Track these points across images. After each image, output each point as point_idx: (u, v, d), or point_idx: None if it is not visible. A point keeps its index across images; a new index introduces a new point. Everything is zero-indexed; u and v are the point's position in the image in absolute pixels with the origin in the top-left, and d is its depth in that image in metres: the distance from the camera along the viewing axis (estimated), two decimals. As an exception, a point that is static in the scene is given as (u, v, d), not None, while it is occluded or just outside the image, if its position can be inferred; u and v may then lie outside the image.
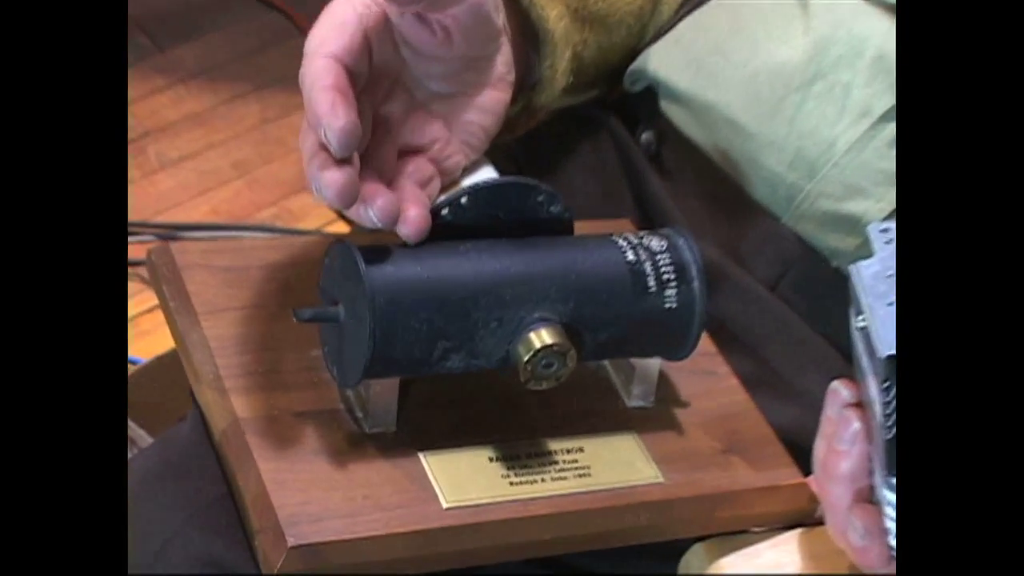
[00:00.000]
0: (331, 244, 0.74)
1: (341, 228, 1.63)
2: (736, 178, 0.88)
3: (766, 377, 0.85)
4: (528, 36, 0.84)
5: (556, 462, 0.76)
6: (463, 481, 0.74)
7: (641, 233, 0.77)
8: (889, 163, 0.83)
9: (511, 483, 0.74)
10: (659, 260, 0.76)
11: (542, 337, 0.73)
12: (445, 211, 0.75)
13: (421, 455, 0.74)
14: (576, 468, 0.76)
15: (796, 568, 0.76)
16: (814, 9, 0.86)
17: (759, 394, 0.82)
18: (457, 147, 0.79)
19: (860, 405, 0.72)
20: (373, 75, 0.75)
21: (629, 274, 0.75)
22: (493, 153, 0.85)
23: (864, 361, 0.70)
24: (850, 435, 0.71)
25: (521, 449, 0.76)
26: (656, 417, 0.79)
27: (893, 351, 0.66)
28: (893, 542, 0.69)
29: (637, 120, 0.94)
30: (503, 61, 0.79)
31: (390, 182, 0.75)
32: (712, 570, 0.77)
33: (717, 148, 0.89)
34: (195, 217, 1.60)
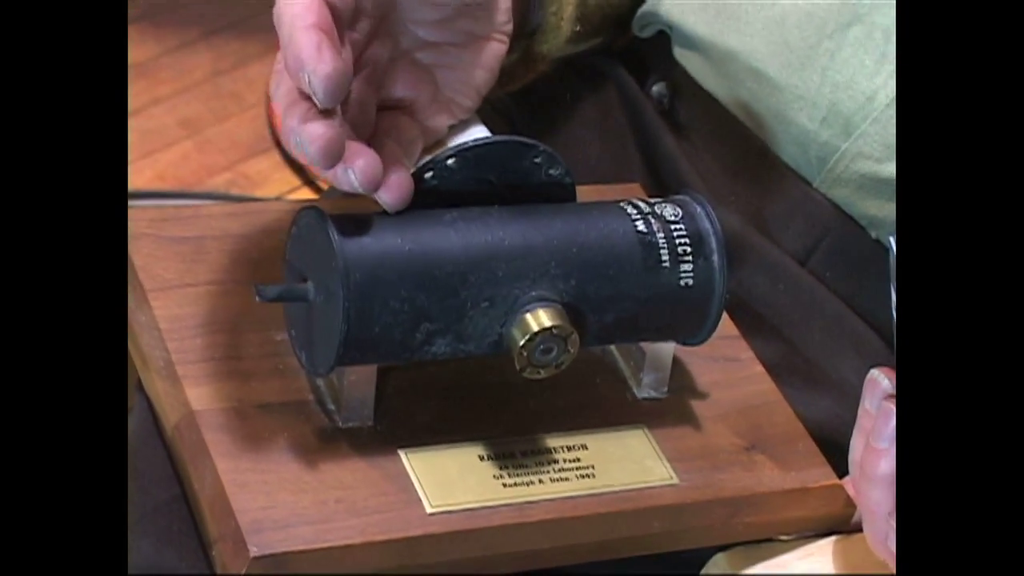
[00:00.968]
0: (299, 211, 0.74)
1: (305, 196, 1.63)
2: (761, 136, 0.88)
3: (795, 363, 0.86)
4: None
5: (556, 461, 0.76)
6: (450, 482, 0.74)
7: (653, 200, 0.78)
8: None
9: (504, 485, 0.75)
10: (673, 231, 0.76)
11: (540, 319, 0.74)
12: (429, 174, 0.75)
13: (402, 453, 0.75)
14: (578, 468, 0.76)
15: (831, 580, 0.77)
16: (850, -57, 0.86)
17: (787, 383, 0.83)
18: (444, 104, 0.79)
19: (904, 396, 0.72)
20: (355, 14, 0.75)
21: (639, 247, 0.76)
22: (483, 109, 0.85)
23: None
24: (891, 431, 0.71)
25: (516, 446, 0.76)
26: (670, 410, 0.79)
27: None
28: None
29: (647, 70, 0.94)
30: (503, 8, 0.79)
31: (368, 141, 0.75)
32: (737, 583, 0.78)
33: (739, 102, 0.89)
34: (137, 184, 1.60)
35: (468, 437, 0.76)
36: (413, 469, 0.74)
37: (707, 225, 0.77)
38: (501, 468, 0.75)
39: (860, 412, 0.74)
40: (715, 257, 0.76)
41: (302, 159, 0.72)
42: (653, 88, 0.93)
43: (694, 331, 0.78)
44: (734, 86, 0.89)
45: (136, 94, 1.67)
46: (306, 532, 0.71)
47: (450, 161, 0.75)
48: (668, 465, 0.77)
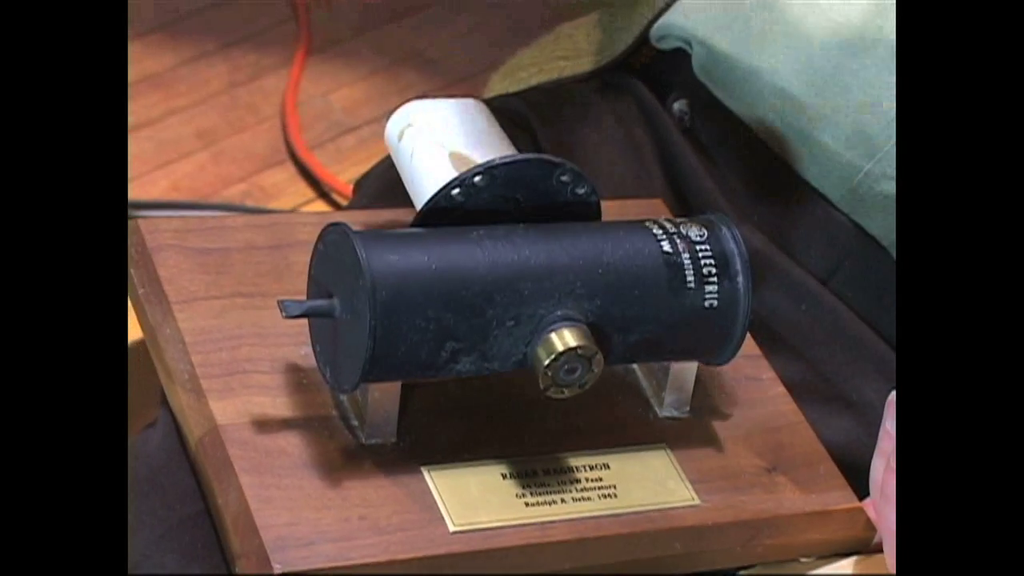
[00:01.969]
0: (325, 227, 0.74)
1: (320, 208, 1.63)
2: (784, 156, 0.88)
3: (817, 384, 0.85)
4: None
5: (578, 480, 0.76)
6: (472, 501, 0.74)
7: (679, 220, 0.77)
8: (960, 141, 0.83)
9: (526, 504, 0.74)
10: (699, 251, 0.76)
11: (565, 339, 0.73)
12: (456, 191, 0.75)
13: (425, 471, 0.74)
14: (600, 487, 0.76)
15: (851, 602, 0.77)
16: (876, -38, 0.86)
17: (809, 404, 0.83)
18: None
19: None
20: None
21: (665, 267, 0.75)
22: (506, 125, 0.85)
23: None
24: None
25: (538, 465, 0.76)
26: (691, 430, 0.79)
27: None
28: None
29: (668, 87, 0.94)
30: None
31: None
32: (757, 604, 0.77)
33: (761, 120, 0.89)
34: (153, 194, 1.59)
35: (491, 455, 0.75)
36: (436, 487, 0.74)
37: (732, 246, 0.76)
38: (523, 487, 0.75)
39: (881, 433, 0.74)
40: (740, 278, 0.76)
41: None
42: (674, 105, 0.93)
43: (718, 352, 0.77)
44: (756, 104, 0.89)
45: (152, 105, 1.67)
46: (329, 549, 0.71)
47: (477, 179, 0.75)
48: (689, 486, 0.77)
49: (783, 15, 0.87)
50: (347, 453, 0.74)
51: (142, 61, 1.72)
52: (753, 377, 0.82)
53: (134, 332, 0.85)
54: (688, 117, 0.93)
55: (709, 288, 0.76)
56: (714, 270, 0.76)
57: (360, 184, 0.97)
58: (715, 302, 0.76)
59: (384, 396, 0.74)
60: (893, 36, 0.84)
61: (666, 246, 0.76)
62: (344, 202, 1.56)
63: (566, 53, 0.98)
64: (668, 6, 0.92)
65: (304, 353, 0.76)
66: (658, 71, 0.95)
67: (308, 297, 0.75)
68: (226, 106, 1.70)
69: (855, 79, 0.85)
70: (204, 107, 1.70)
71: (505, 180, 0.75)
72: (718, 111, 0.91)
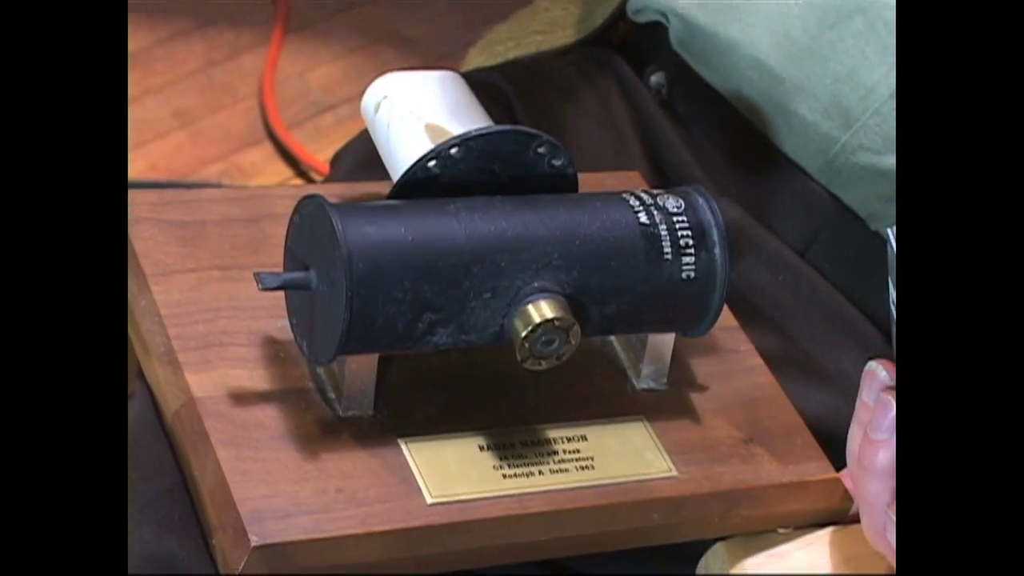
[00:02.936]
0: (301, 199, 0.74)
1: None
2: (761, 128, 0.88)
3: (794, 356, 0.85)
4: None
5: (555, 452, 0.76)
6: (450, 473, 0.73)
7: (656, 191, 0.77)
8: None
9: (504, 476, 0.74)
10: (676, 223, 0.76)
11: (542, 310, 0.73)
12: (432, 163, 0.74)
13: (402, 443, 0.74)
14: (578, 459, 0.76)
15: (829, 571, 0.77)
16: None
17: (786, 375, 0.82)
18: None
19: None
20: None
21: (642, 239, 0.75)
22: (484, 99, 0.84)
23: None
24: (888, 422, 0.71)
25: (516, 437, 0.76)
26: (669, 401, 0.79)
27: None
28: None
29: (645, 60, 0.93)
30: None
31: None
32: (736, 571, 0.77)
33: (738, 93, 0.88)
34: (131, 173, 1.59)
35: (468, 428, 0.75)
36: (413, 459, 0.74)
37: (709, 217, 0.76)
38: (501, 459, 0.74)
39: (858, 404, 0.74)
40: (717, 250, 0.76)
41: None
42: (651, 78, 0.93)
43: (695, 323, 0.77)
44: (734, 77, 0.88)
45: (130, 84, 1.66)
46: (306, 522, 0.70)
47: (454, 151, 0.75)
48: (667, 457, 0.77)
49: None
50: (324, 425, 0.74)
51: (119, 40, 1.72)
52: (731, 349, 0.82)
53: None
54: (666, 90, 0.93)
55: (686, 259, 0.75)
56: (691, 241, 0.76)
57: (337, 158, 0.97)
58: (692, 273, 0.76)
59: (361, 368, 0.74)
60: (870, 7, 0.84)
61: (643, 217, 0.76)
62: (322, 181, 1.56)
63: (543, 28, 0.98)
64: None
65: (281, 326, 0.76)
66: (636, 44, 0.95)
67: (285, 269, 0.75)
68: (203, 85, 1.70)
69: (832, 51, 0.85)
70: (181, 86, 1.69)
71: (481, 152, 0.75)
72: (696, 84, 0.91)
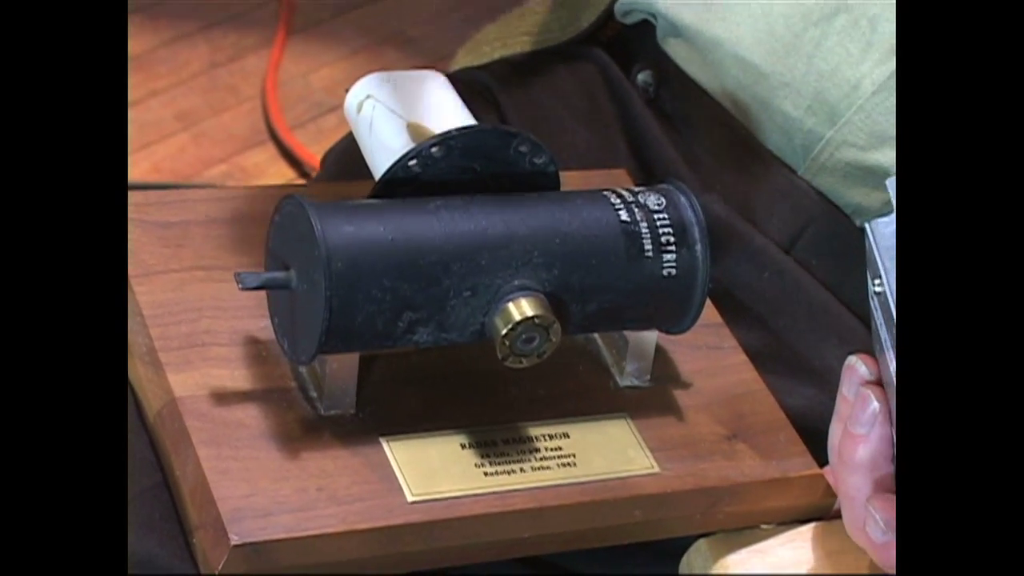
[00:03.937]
0: (281, 199, 0.74)
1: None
2: (746, 124, 0.88)
3: (780, 352, 0.85)
4: None
5: (537, 449, 0.76)
6: (431, 471, 0.73)
7: (636, 189, 0.77)
8: (920, 108, 0.83)
9: (486, 473, 0.74)
10: (657, 220, 0.76)
11: (522, 308, 0.73)
12: (413, 162, 0.75)
13: (384, 441, 0.74)
14: (560, 456, 0.76)
15: (812, 566, 0.77)
16: (836, -68, 0.86)
17: (771, 371, 0.82)
18: None
19: (880, 383, 0.72)
20: None
21: (623, 236, 0.75)
22: (469, 96, 0.84)
23: (883, 332, 0.70)
24: (868, 417, 0.71)
25: (497, 435, 0.76)
26: (652, 398, 0.79)
27: None
28: None
29: (632, 58, 0.93)
30: None
31: None
32: (718, 569, 0.77)
33: (724, 90, 0.88)
34: (134, 175, 1.59)
35: (450, 425, 0.75)
36: (395, 457, 0.74)
37: (690, 215, 0.76)
38: (483, 457, 0.75)
39: (838, 399, 0.74)
40: (698, 247, 0.76)
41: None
42: (638, 76, 0.93)
43: (677, 320, 0.77)
44: (719, 74, 0.88)
45: (133, 87, 1.67)
46: (287, 520, 0.70)
47: (434, 149, 0.75)
48: (649, 454, 0.77)
49: None
50: (306, 425, 0.74)
51: (122, 43, 1.72)
52: (714, 345, 0.82)
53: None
54: (652, 88, 0.93)
55: (667, 256, 0.75)
56: (672, 239, 0.76)
57: (326, 157, 0.97)
58: (673, 270, 0.76)
59: (342, 367, 0.74)
60: (853, 4, 0.84)
61: (624, 215, 0.76)
62: (325, 182, 1.56)
63: (530, 29, 0.98)
64: None
65: (263, 326, 0.76)
66: (623, 42, 0.95)
67: (266, 269, 0.75)
68: (206, 87, 1.70)
69: (816, 47, 0.85)
70: (184, 88, 1.70)
71: (462, 150, 0.75)
72: (682, 82, 0.91)
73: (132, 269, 0.77)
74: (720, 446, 0.78)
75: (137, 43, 1.71)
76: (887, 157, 0.84)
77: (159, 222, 0.79)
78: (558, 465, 0.75)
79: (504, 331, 0.73)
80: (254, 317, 0.76)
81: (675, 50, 0.91)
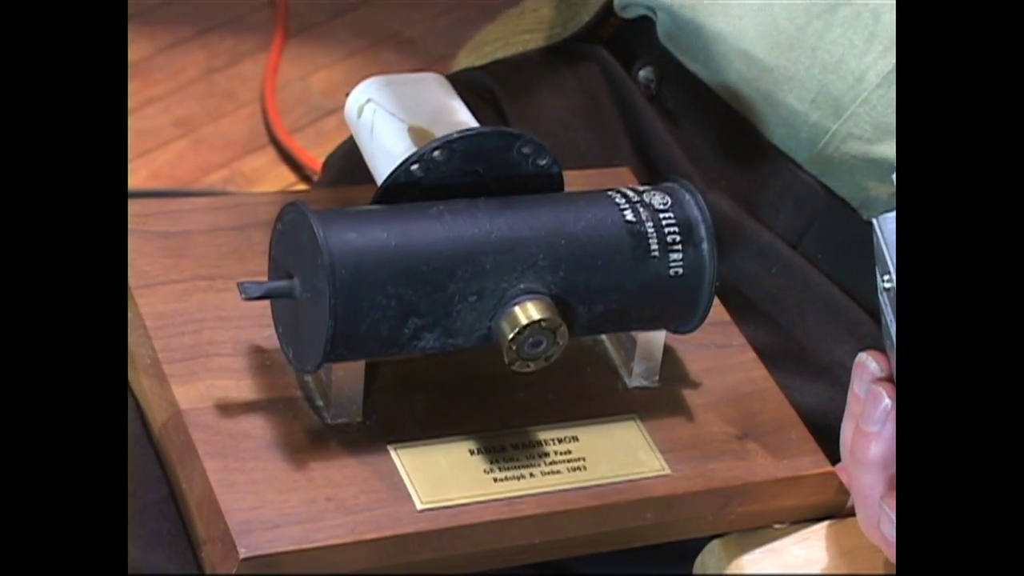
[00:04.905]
0: (283, 207, 0.73)
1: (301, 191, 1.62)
2: (750, 119, 0.87)
3: (788, 348, 0.85)
4: None
5: (546, 454, 0.75)
6: (440, 478, 0.73)
7: (641, 188, 0.77)
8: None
9: (495, 479, 0.73)
10: (662, 219, 0.75)
11: (528, 312, 0.72)
12: (415, 166, 0.74)
13: (391, 449, 0.73)
14: (569, 460, 0.75)
15: (826, 565, 0.76)
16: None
17: (780, 369, 0.82)
18: None
19: (892, 379, 0.71)
20: None
21: (628, 236, 0.74)
22: (470, 97, 0.84)
23: (893, 328, 0.69)
24: (880, 414, 0.71)
25: (506, 440, 0.75)
26: (661, 399, 0.78)
27: None
28: None
29: (633, 55, 0.93)
30: None
31: None
32: (732, 570, 0.76)
33: (727, 85, 0.88)
34: (133, 183, 1.59)
35: (458, 431, 0.75)
36: (403, 465, 0.73)
37: (696, 213, 0.75)
38: (491, 462, 0.74)
39: (849, 396, 0.73)
40: (704, 245, 0.75)
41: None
42: (640, 73, 0.92)
43: (685, 320, 0.76)
44: (722, 69, 0.88)
45: (130, 94, 1.66)
46: (295, 532, 0.70)
47: (436, 153, 0.74)
48: (660, 456, 0.76)
49: None
50: (312, 434, 0.73)
51: (119, 50, 1.71)
52: (723, 344, 0.81)
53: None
54: (654, 84, 0.92)
55: (673, 256, 0.75)
56: (678, 238, 0.75)
57: (327, 162, 0.97)
58: (680, 270, 0.75)
59: (348, 375, 0.73)
60: (856, -4, 0.84)
61: (629, 215, 0.75)
62: (327, 186, 1.56)
63: (531, 27, 0.98)
64: None
65: (267, 335, 0.75)
66: (623, 39, 0.94)
67: (269, 278, 0.74)
68: (204, 93, 1.70)
69: (819, 40, 0.84)
70: (182, 95, 1.69)
71: (465, 153, 0.74)
72: (684, 77, 0.90)
73: (134, 280, 0.76)
74: (731, 446, 0.77)
75: (134, 50, 1.71)
76: (893, 149, 0.83)
77: (160, 232, 0.79)
78: (568, 469, 0.75)
79: (511, 335, 0.72)
80: (258, 326, 0.76)
81: (676, 45, 0.90)
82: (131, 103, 1.66)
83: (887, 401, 0.70)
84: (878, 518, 0.71)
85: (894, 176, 0.69)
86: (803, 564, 0.76)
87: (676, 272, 0.75)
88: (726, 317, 0.83)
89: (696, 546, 0.78)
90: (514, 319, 0.72)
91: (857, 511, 0.73)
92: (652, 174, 0.90)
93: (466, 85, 0.90)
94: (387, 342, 0.72)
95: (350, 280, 0.70)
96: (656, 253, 0.75)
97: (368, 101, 0.80)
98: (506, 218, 0.73)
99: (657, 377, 0.79)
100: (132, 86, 1.67)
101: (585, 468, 0.75)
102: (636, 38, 0.92)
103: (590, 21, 0.94)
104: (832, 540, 0.77)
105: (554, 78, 0.94)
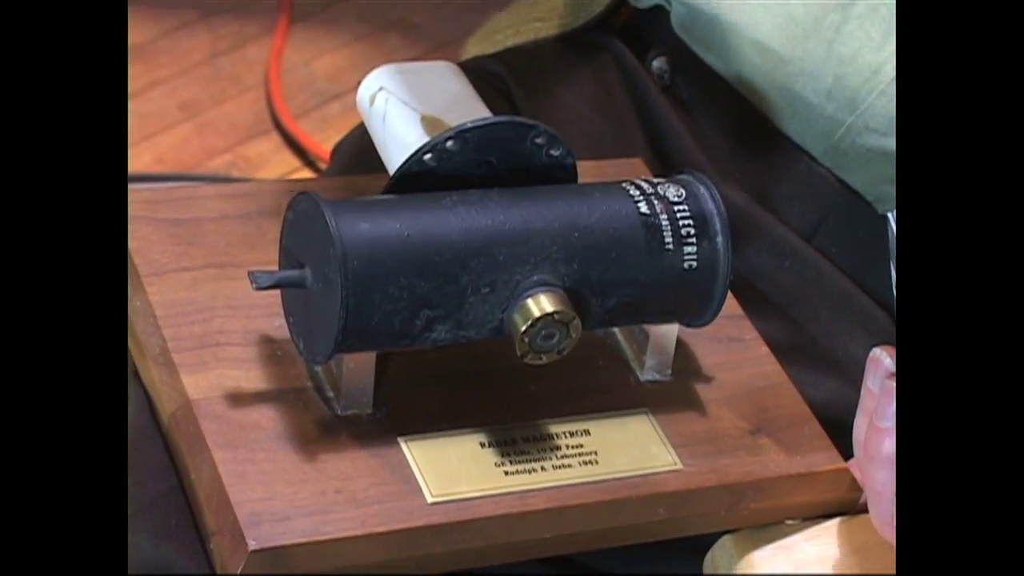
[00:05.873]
0: (295, 196, 0.72)
1: (305, 176, 1.62)
2: (765, 111, 0.87)
3: (802, 343, 0.84)
4: None
5: (558, 447, 0.74)
6: (451, 471, 0.72)
7: (656, 180, 0.76)
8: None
9: (506, 473, 0.73)
10: (677, 212, 0.74)
11: (541, 304, 0.72)
12: (428, 156, 0.73)
13: (402, 441, 0.73)
14: (581, 454, 0.75)
15: (838, 562, 0.76)
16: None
17: (794, 363, 0.81)
18: None
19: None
20: None
21: (642, 229, 0.74)
22: (482, 88, 0.83)
23: None
24: (894, 410, 0.70)
25: (517, 433, 0.75)
26: (674, 393, 0.78)
27: None
28: None
29: (647, 45, 0.92)
30: None
31: None
32: (743, 566, 0.76)
33: (742, 77, 0.87)
34: (136, 167, 1.58)
35: (469, 424, 0.74)
36: (414, 458, 0.73)
37: (711, 206, 0.75)
38: (503, 455, 0.73)
39: (863, 392, 0.73)
40: (719, 238, 0.75)
41: None
42: (653, 63, 0.92)
43: (698, 313, 0.76)
44: (736, 60, 0.87)
45: (134, 77, 1.66)
46: (305, 524, 0.69)
47: (449, 143, 0.74)
48: (672, 450, 0.76)
49: None
50: (322, 425, 0.73)
51: (123, 33, 1.71)
52: (736, 338, 0.81)
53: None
54: (668, 75, 0.92)
55: (688, 249, 0.74)
56: (692, 231, 0.74)
57: (336, 150, 0.96)
58: (694, 263, 0.74)
59: (359, 366, 0.73)
60: (872, -12, 0.83)
61: (643, 207, 0.74)
62: (331, 171, 1.55)
63: (542, 15, 0.97)
64: None
65: (278, 324, 0.75)
66: (637, 29, 0.93)
67: (280, 267, 0.74)
68: (209, 77, 1.69)
69: (835, 32, 0.84)
70: (186, 78, 1.69)
71: (478, 143, 0.74)
72: (698, 68, 0.90)
73: (143, 268, 0.76)
74: (743, 441, 0.77)
75: (138, 33, 1.70)
76: (908, 143, 0.83)
77: (170, 219, 0.78)
78: (579, 463, 0.74)
79: (523, 327, 0.72)
80: (268, 316, 0.75)
81: (690, 36, 0.89)
82: (135, 86, 1.65)
83: (896, 398, 0.70)
84: (891, 515, 0.71)
85: None
86: (815, 561, 0.76)
87: (690, 265, 0.74)
88: (739, 311, 0.82)
89: (707, 542, 0.78)
90: (527, 311, 0.72)
91: (870, 508, 0.72)
92: (665, 165, 0.89)
93: (477, 73, 0.89)
94: (399, 334, 0.71)
95: (363, 271, 0.70)
96: (670, 246, 0.74)
97: (380, 89, 0.79)
98: (520, 209, 0.73)
99: (670, 371, 0.78)
100: (136, 69, 1.66)
101: (597, 462, 0.74)
102: (650, 28, 0.92)
103: (603, 10, 0.93)
104: (844, 537, 0.77)
105: (567, 68, 0.93)
